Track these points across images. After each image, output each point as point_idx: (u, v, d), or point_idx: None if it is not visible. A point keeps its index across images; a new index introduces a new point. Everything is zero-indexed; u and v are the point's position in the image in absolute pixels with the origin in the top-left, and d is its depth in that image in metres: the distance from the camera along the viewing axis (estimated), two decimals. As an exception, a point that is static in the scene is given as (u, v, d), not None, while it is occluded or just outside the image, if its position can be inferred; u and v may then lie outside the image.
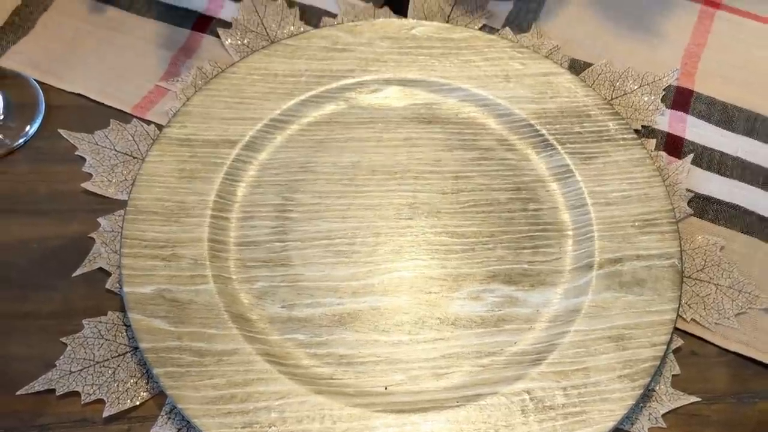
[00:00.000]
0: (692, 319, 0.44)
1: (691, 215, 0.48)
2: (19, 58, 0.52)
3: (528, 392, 0.40)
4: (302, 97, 0.50)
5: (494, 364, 0.42)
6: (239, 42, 0.54)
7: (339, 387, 0.41)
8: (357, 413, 0.40)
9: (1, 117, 0.50)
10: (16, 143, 0.49)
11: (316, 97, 0.51)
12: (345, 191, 0.48)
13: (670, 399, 0.42)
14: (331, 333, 0.43)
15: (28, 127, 0.50)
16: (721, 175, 0.50)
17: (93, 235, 0.46)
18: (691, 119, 0.52)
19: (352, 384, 0.41)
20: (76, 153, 0.49)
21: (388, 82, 0.51)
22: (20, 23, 0.53)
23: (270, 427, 0.39)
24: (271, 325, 0.43)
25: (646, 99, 0.52)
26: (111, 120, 0.50)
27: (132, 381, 0.41)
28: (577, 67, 0.54)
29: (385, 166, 0.49)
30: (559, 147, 0.49)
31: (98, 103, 0.51)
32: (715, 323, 0.44)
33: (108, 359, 0.42)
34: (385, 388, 0.41)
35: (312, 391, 0.40)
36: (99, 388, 0.41)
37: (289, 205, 0.47)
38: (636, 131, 0.51)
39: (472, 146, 0.50)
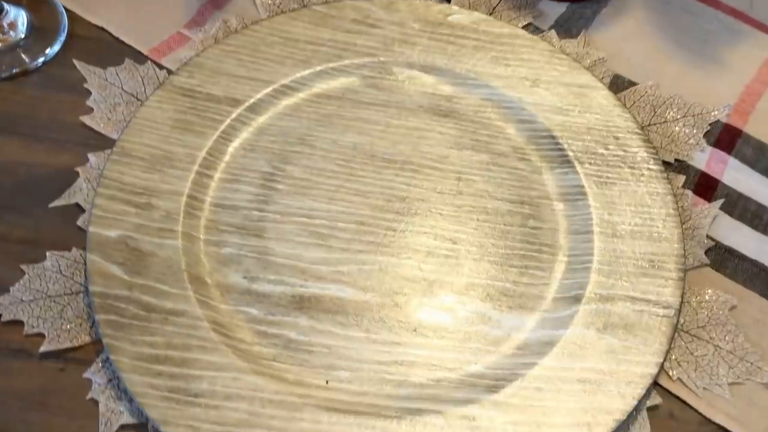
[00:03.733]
0: (678, 379, 0.40)
1: (707, 265, 0.43)
2: (53, -17, 0.52)
3: (472, 418, 0.37)
4: (319, 68, 0.48)
5: (446, 381, 0.39)
6: (270, 1, 0.52)
7: (279, 371, 0.39)
8: (288, 402, 0.37)
9: (24, 36, 0.50)
10: (33, 64, 0.49)
11: (333, 69, 0.48)
12: (338, 172, 0.45)
13: (631, 460, 0.38)
14: (287, 314, 0.41)
15: (47, 50, 0.49)
16: (753, 228, 0.45)
17: (78, 169, 0.45)
18: (733, 161, 0.47)
19: (293, 371, 0.39)
20: (84, 85, 0.48)
21: (411, 65, 0.49)
22: (61, -51, 0.53)
23: (196, 397, 0.37)
24: (227, 294, 0.41)
25: (687, 131, 0.48)
26: (126, 59, 0.49)
27: (77, 322, 0.40)
28: (619, 85, 0.50)
29: (387, 154, 0.46)
30: (577, 165, 0.45)
31: (118, 40, 0.50)
32: (704, 388, 0.40)
33: (60, 295, 0.41)
34: (326, 383, 0.39)
35: (250, 370, 0.38)
36: (44, 322, 0.40)
37: (277, 175, 0.45)
38: (666, 163, 0.46)
39: (484, 149, 0.46)
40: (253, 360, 0.39)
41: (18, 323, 0.40)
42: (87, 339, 0.40)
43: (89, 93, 0.48)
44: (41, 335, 0.40)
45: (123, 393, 0.38)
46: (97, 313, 0.39)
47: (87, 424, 0.38)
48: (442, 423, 0.37)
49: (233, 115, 0.46)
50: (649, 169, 0.45)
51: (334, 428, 0.37)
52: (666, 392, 0.40)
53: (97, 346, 0.40)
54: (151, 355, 0.38)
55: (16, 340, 0.40)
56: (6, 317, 0.40)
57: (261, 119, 0.47)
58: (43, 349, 0.39)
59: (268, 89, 0.47)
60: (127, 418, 0.38)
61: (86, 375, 0.39)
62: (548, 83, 0.48)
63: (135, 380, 0.37)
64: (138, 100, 0.48)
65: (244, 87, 0.47)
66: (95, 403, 0.38)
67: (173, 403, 0.37)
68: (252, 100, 0.47)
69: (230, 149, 0.46)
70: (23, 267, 0.42)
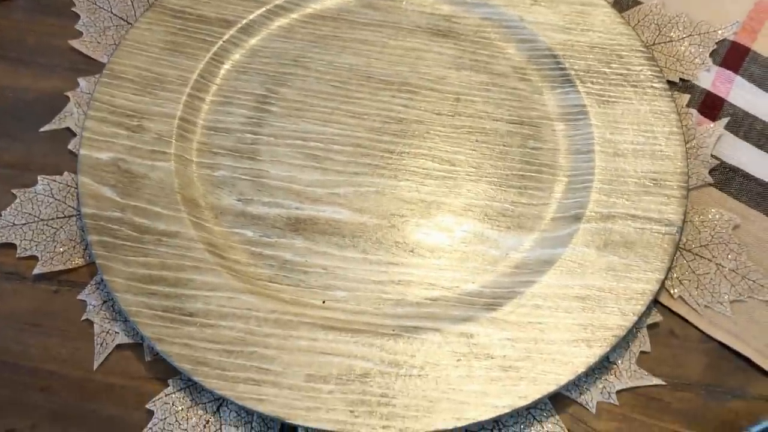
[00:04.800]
0: (680, 297, 0.39)
1: (710, 185, 0.42)
2: None
3: (470, 335, 0.37)
4: (313, -13, 0.47)
5: (443, 299, 0.38)
6: None
7: (275, 291, 0.38)
8: (285, 320, 0.37)
9: (9, -39, 0.48)
10: (19, -11, 0.48)
11: (328, -11, 0.47)
12: (333, 94, 0.44)
13: (630, 376, 0.37)
14: (282, 236, 0.40)
15: (33, -25, 0.48)
16: (759, 147, 0.44)
17: (69, 93, 0.44)
18: (739, 80, 0.45)
19: (290, 291, 0.39)
20: (72, 9, 0.47)
21: (408, -15, 0.47)
22: None
23: (191, 316, 0.37)
24: (221, 216, 0.40)
25: (692, 50, 0.46)
26: (115, -19, 0.48)
27: (70, 245, 0.40)
28: (623, 3, 0.48)
29: (383, 75, 0.45)
30: (579, 84, 0.44)
31: (107, -38, 0.49)
32: (706, 306, 0.39)
33: (53, 218, 0.40)
34: (323, 302, 0.38)
35: (245, 290, 0.38)
36: (36, 245, 0.40)
37: (271, 97, 0.44)
38: (671, 83, 0.45)
39: (483, 69, 0.45)
40: (248, 280, 0.38)
41: (11, 246, 0.40)
42: (80, 262, 0.39)
43: (78, 17, 0.47)
44: (34, 258, 0.39)
45: (118, 314, 0.38)
46: (90, 235, 0.38)
47: (82, 345, 0.38)
48: (440, 340, 0.37)
49: (225, 37, 0.45)
50: (652, 87, 0.44)
51: (331, 346, 0.37)
52: (667, 310, 0.39)
53: (90, 269, 0.40)
54: (145, 276, 0.38)
55: (8, 263, 0.40)
56: (-2, 240, 0.40)
57: (253, 41, 0.45)
58: (36, 271, 0.39)
59: (261, 10, 0.46)
60: (122, 338, 0.37)
61: (80, 297, 0.39)
62: (550, 1, 0.46)
63: (129, 300, 0.37)
64: (128, 23, 0.47)
65: (235, 7, 0.46)
66: (90, 324, 0.38)
67: (168, 322, 0.37)
68: (244, 21, 0.45)
69: (222, 71, 0.44)
70: (14, 191, 0.41)
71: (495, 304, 0.38)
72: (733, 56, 0.46)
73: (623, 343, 0.38)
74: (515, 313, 0.38)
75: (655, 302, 0.39)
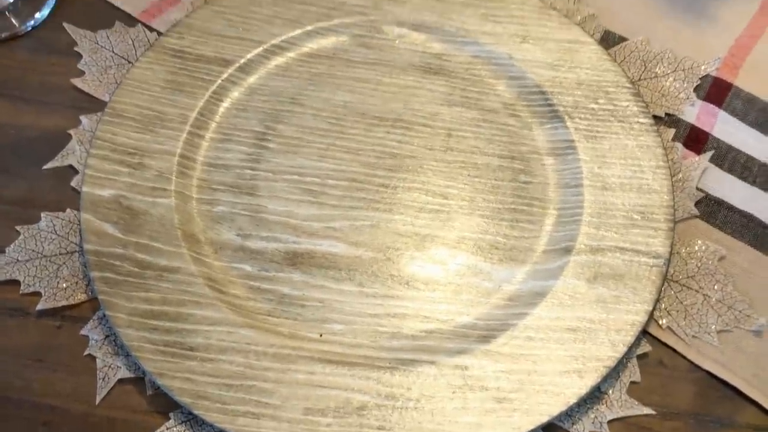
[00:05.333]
0: (668, 327, 0.40)
1: (696, 217, 0.44)
2: (42, -53, 0.52)
3: (464, 368, 0.38)
4: (309, 27, 0.48)
5: (438, 332, 0.39)
6: (260, -38, 0.52)
7: (273, 325, 0.39)
8: (283, 354, 0.38)
9: (12, 0, 0.50)
10: (22, 27, 0.49)
11: (323, 28, 0.48)
12: (329, 130, 0.45)
13: (621, 406, 0.38)
14: (280, 270, 0.41)
15: (36, 14, 0.50)
16: (743, 180, 0.45)
17: (71, 131, 0.45)
18: (723, 115, 0.47)
19: (288, 325, 0.39)
20: (75, 49, 0.48)
21: (401, 24, 0.49)
22: None
23: (191, 350, 0.38)
24: (221, 251, 0.41)
25: (677, 85, 0.48)
26: (116, 21, 0.49)
27: (73, 280, 0.41)
28: (609, 40, 0.50)
29: (377, 112, 0.46)
30: (567, 120, 0.45)
31: (108, 3, 0.50)
32: (693, 336, 0.40)
33: (56, 255, 0.41)
34: (320, 336, 0.39)
35: (244, 324, 0.39)
36: (40, 281, 0.40)
37: (269, 134, 0.45)
38: (657, 118, 0.46)
39: (474, 105, 0.47)
40: (247, 315, 0.39)
41: (14, 283, 0.41)
42: (83, 297, 0.40)
43: (80, 56, 0.48)
44: (38, 294, 0.40)
45: (120, 348, 0.39)
46: (93, 271, 0.39)
47: (85, 380, 0.38)
48: (436, 373, 0.38)
49: (224, 76, 0.46)
50: (639, 122, 0.45)
51: (329, 379, 0.37)
52: (656, 341, 0.40)
53: (93, 304, 0.40)
54: (147, 311, 0.39)
55: (12, 299, 0.40)
56: (2, 277, 0.41)
57: (251, 79, 0.47)
58: (39, 307, 0.40)
59: (259, 49, 0.47)
60: (124, 373, 0.38)
61: (83, 332, 0.39)
62: (538, 39, 0.48)
63: (131, 335, 0.38)
64: (129, 62, 0.48)
65: (234, 47, 0.47)
66: (92, 359, 0.39)
67: (169, 357, 0.37)
68: (242, 60, 0.47)
69: (221, 109, 0.46)
70: (18, 228, 0.42)
71: (489, 336, 0.39)
72: (716, 91, 0.48)
73: (614, 373, 0.39)
74: (509, 345, 0.39)
75: (644, 333, 0.40)
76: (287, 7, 0.48)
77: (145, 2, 0.50)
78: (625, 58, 0.49)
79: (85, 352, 0.39)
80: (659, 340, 0.40)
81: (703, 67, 0.48)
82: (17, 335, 0.40)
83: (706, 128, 0.47)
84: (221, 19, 0.48)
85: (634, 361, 0.40)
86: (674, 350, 0.40)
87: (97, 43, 0.48)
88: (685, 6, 0.51)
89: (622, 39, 0.50)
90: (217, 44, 0.47)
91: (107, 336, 0.39)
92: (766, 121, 0.47)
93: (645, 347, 0.40)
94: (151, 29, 0.49)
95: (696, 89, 0.48)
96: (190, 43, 0.47)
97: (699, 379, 0.40)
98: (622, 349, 0.38)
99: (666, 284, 0.41)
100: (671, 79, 0.48)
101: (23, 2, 0.50)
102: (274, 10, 0.48)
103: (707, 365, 0.40)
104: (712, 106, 0.47)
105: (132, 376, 0.38)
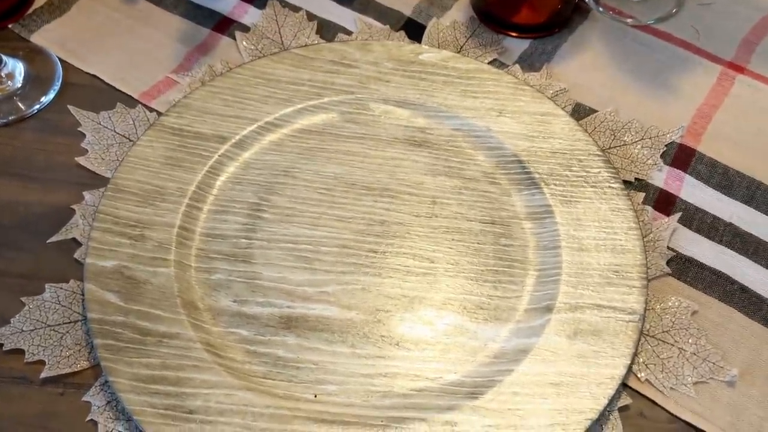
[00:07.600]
0: (647, 380, 0.42)
1: (668, 274, 0.46)
2: (49, 36, 0.55)
3: (453, 424, 0.39)
4: (300, 106, 0.51)
5: (428, 390, 0.41)
6: (253, 46, 0.55)
7: (269, 387, 0.41)
8: (279, 415, 0.40)
9: (20, 86, 0.53)
10: (29, 111, 0.52)
11: (313, 106, 0.52)
12: (321, 200, 0.48)
13: (605, 457, 0.40)
14: (275, 334, 0.43)
15: (42, 98, 0.53)
16: (710, 239, 0.48)
17: (75, 206, 0.48)
18: (689, 179, 0.50)
19: (283, 386, 0.41)
20: (79, 129, 0.51)
21: (386, 101, 0.52)
22: (57, 5, 0.57)
23: (191, 413, 0.39)
24: (218, 317, 0.43)
25: (645, 152, 0.51)
26: (118, 103, 0.52)
27: (76, 348, 0.42)
28: (580, 112, 0.53)
29: (366, 182, 0.49)
30: (544, 186, 0.48)
31: (110, 86, 0.53)
32: (671, 388, 0.42)
33: (60, 324, 0.43)
34: (315, 396, 0.41)
35: (242, 387, 0.40)
36: (44, 350, 0.42)
37: (263, 205, 0.48)
38: (627, 182, 0.50)
39: (456, 174, 0.50)
40: (244, 377, 0.41)
41: (19, 352, 0.42)
42: (85, 364, 0.42)
43: (83, 136, 0.51)
44: (41, 362, 0.42)
45: (121, 413, 0.40)
46: (95, 338, 0.41)
47: (87, 445, 0.40)
48: (426, 429, 0.39)
49: (220, 151, 0.49)
50: (610, 187, 0.48)
51: (323, 438, 0.39)
52: (636, 393, 0.42)
53: (95, 371, 0.42)
54: (148, 376, 0.40)
55: (17, 368, 0.42)
56: (7, 347, 0.42)
57: (247, 154, 0.50)
58: (43, 375, 0.41)
59: (253, 126, 0.50)
60: (125, 437, 0.40)
61: (85, 398, 0.41)
62: (513, 113, 0.51)
63: (133, 400, 0.39)
64: (130, 140, 0.51)
65: (230, 125, 0.50)
66: (94, 424, 0.40)
67: (170, 420, 0.39)
68: (238, 137, 0.50)
69: (218, 183, 0.48)
70: (23, 299, 0.44)
71: (476, 393, 0.41)
72: (681, 157, 0.51)
73: (597, 425, 0.41)
74: (495, 401, 0.40)
75: (624, 386, 0.42)
76: (280, 88, 0.52)
77: (144, 85, 0.53)
78: (595, 128, 0.52)
79: (87, 418, 0.40)
80: (639, 393, 0.42)
81: (668, 135, 0.52)
82: (21, 403, 0.41)
83: (673, 191, 0.50)
84: (218, 99, 0.51)
85: (616, 413, 0.41)
86: (654, 402, 0.42)
87: (100, 124, 0.51)
88: (649, 79, 0.55)
89: (592, 111, 0.53)
90: (214, 122, 0.50)
91: (108, 401, 0.41)
92: (729, 184, 0.50)
93: (626, 400, 0.42)
94: (150, 109, 0.52)
95: (662, 155, 0.51)
96: (188, 122, 0.50)
97: (678, 430, 0.41)
98: (604, 402, 0.40)
99: (643, 339, 0.44)
100: (639, 146, 0.51)
101: (31, 87, 0.53)
102: (267, 90, 0.52)
103: (686, 416, 0.42)
104: (678, 170, 0.50)
105: (133, 440, 0.39)
